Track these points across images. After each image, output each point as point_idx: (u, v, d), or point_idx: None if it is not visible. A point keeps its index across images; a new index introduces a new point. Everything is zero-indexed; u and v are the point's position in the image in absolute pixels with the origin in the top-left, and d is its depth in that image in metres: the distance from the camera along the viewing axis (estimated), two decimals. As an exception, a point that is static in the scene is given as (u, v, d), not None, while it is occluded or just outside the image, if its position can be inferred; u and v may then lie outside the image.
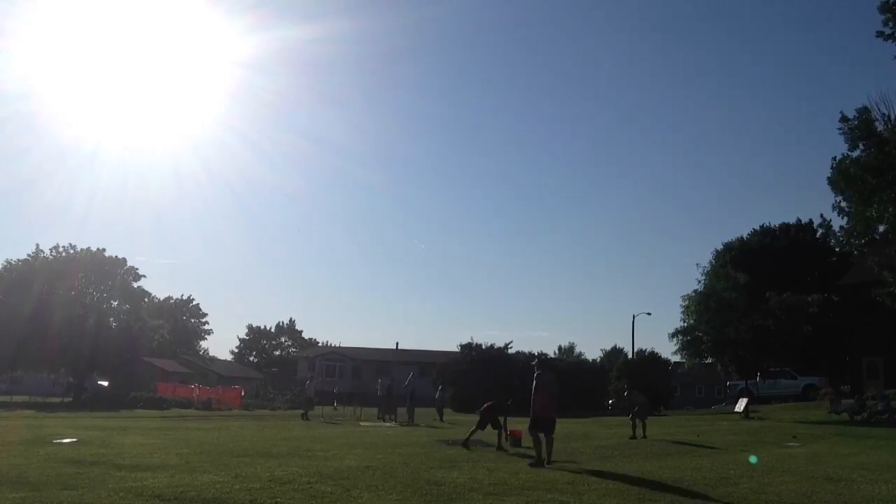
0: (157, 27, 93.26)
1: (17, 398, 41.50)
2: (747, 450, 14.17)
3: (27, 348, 39.20)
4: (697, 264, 35.87)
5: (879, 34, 22.04)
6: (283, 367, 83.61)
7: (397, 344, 66.79)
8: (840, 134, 23.04)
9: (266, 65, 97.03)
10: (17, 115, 78.88)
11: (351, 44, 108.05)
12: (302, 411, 27.61)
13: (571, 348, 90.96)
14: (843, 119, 22.85)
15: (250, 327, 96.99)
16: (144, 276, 48.74)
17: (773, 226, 55.02)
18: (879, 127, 22.45)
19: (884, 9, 21.60)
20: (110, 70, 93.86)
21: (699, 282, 36.58)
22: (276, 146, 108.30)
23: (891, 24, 21.50)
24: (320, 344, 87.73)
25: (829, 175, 23.86)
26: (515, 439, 15.03)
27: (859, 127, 22.39)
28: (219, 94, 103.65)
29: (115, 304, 47.08)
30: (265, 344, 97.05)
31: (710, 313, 31.42)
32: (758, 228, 55.11)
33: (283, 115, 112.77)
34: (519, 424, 15.14)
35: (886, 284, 23.69)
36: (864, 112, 22.34)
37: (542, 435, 11.59)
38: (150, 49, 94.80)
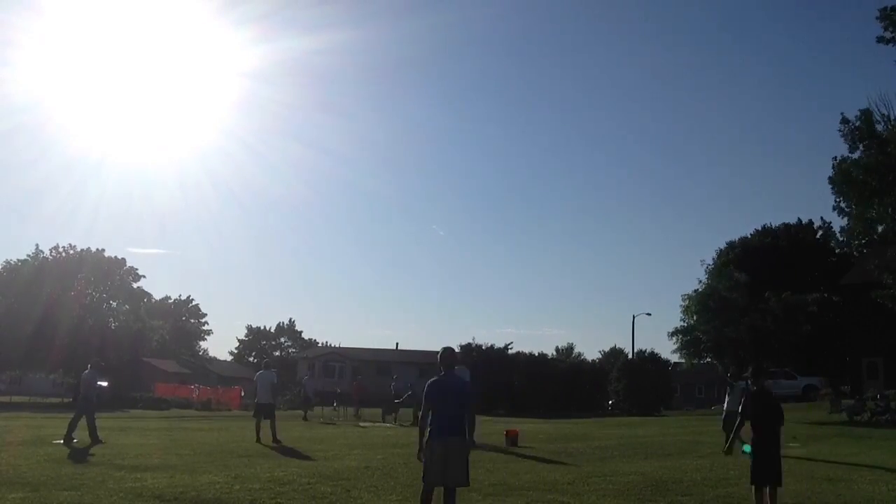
0: (163, 38, 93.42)
1: (17, 399, 41.51)
2: (747, 450, 14.18)
3: (27, 348, 39.17)
4: (702, 261, 35.98)
5: (880, 39, 22.05)
6: (283, 368, 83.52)
7: (397, 344, 66.97)
8: (840, 135, 23.06)
9: (271, 75, 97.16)
10: (23, 126, 78.88)
11: (355, 54, 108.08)
12: (302, 412, 27.58)
13: (570, 348, 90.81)
14: (844, 121, 22.84)
15: (250, 328, 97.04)
16: (144, 277, 48.84)
17: (773, 226, 55.08)
18: (880, 128, 22.46)
19: (882, 17, 21.66)
20: (116, 81, 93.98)
21: (700, 281, 36.65)
22: (280, 155, 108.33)
23: (891, 30, 21.52)
24: (320, 344, 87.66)
25: (831, 175, 23.88)
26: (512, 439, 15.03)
27: (860, 128, 22.38)
28: (224, 104, 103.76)
29: (114, 304, 47.08)
30: (265, 344, 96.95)
31: (709, 313, 31.45)
32: (759, 228, 55.20)
33: (288, 125, 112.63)
34: (517, 424, 15.08)
35: (887, 286, 23.68)
36: (865, 114, 22.33)
37: None
38: (156, 60, 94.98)
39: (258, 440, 14.62)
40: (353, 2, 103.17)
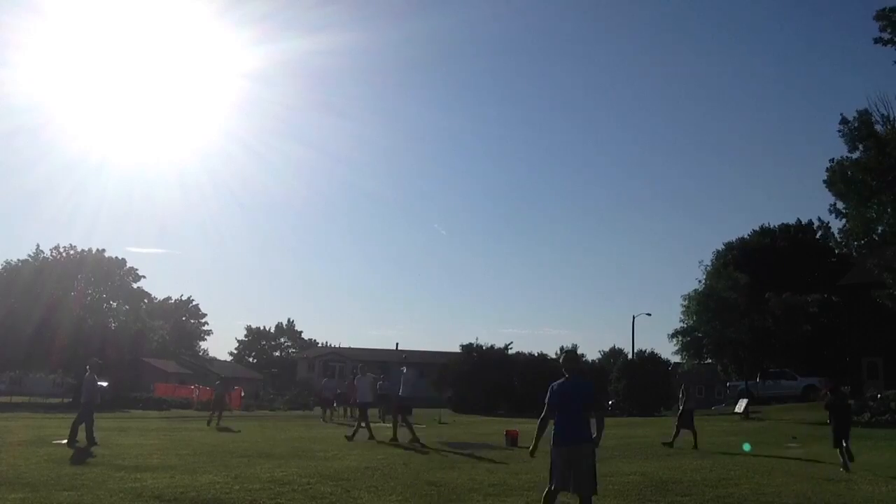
0: (164, 39, 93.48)
1: (17, 399, 41.51)
2: (747, 448, 14.21)
3: (27, 348, 39.17)
4: (700, 262, 36.11)
5: (877, 40, 22.13)
6: (283, 368, 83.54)
7: (397, 344, 66.94)
8: (840, 136, 23.14)
9: (271, 76, 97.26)
10: (24, 127, 78.99)
11: (356, 55, 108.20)
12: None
13: (574, 349, 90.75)
14: (843, 121, 22.93)
15: (249, 328, 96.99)
16: (144, 277, 48.82)
17: (773, 226, 55.07)
18: (879, 128, 22.51)
19: (879, 17, 21.77)
20: (117, 82, 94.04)
21: (700, 281, 36.67)
22: (280, 156, 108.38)
23: (888, 31, 21.64)
24: (320, 345, 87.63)
25: (826, 178, 23.96)
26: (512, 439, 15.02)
27: (859, 129, 22.45)
28: (224, 105, 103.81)
29: (114, 304, 47.06)
30: (265, 345, 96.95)
31: (710, 314, 31.50)
32: (758, 229, 55.18)
33: (288, 126, 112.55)
34: (518, 424, 15.04)
35: (887, 286, 23.69)
36: (863, 114, 22.42)
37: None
38: (156, 61, 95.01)
39: (394, 438, 15.52)
40: (354, 3, 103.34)
